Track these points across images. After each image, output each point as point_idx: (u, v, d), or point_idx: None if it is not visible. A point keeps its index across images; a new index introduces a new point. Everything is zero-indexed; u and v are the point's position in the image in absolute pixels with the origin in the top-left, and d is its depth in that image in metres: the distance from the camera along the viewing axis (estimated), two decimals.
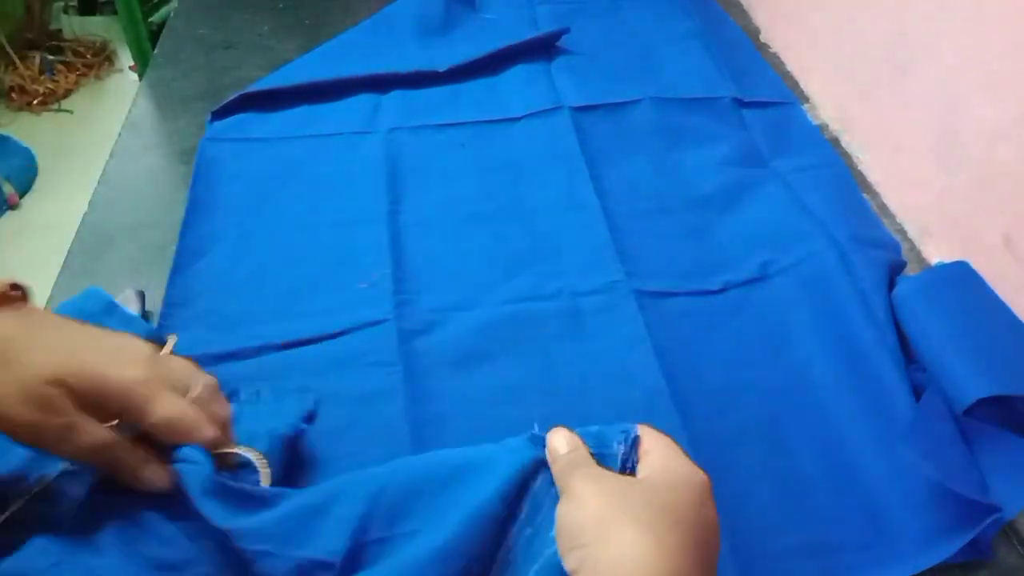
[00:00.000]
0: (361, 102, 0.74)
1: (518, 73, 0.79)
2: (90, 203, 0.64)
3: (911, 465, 0.45)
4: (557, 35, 0.83)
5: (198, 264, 0.57)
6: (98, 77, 2.09)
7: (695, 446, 0.46)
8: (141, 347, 0.36)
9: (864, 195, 0.67)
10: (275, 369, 0.50)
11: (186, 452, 0.35)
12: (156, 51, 0.85)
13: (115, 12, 1.37)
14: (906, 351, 0.52)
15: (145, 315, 0.53)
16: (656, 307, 0.55)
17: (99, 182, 0.66)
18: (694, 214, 0.64)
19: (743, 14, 0.94)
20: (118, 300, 0.52)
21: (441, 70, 0.77)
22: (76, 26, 2.15)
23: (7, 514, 0.33)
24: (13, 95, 1.96)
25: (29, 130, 1.86)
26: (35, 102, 1.96)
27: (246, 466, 0.37)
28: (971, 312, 0.51)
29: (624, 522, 0.28)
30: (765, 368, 0.52)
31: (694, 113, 0.74)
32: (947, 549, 0.41)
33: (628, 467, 0.33)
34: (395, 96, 0.75)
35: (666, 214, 0.63)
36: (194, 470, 0.34)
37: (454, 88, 0.77)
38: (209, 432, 0.35)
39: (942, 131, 0.60)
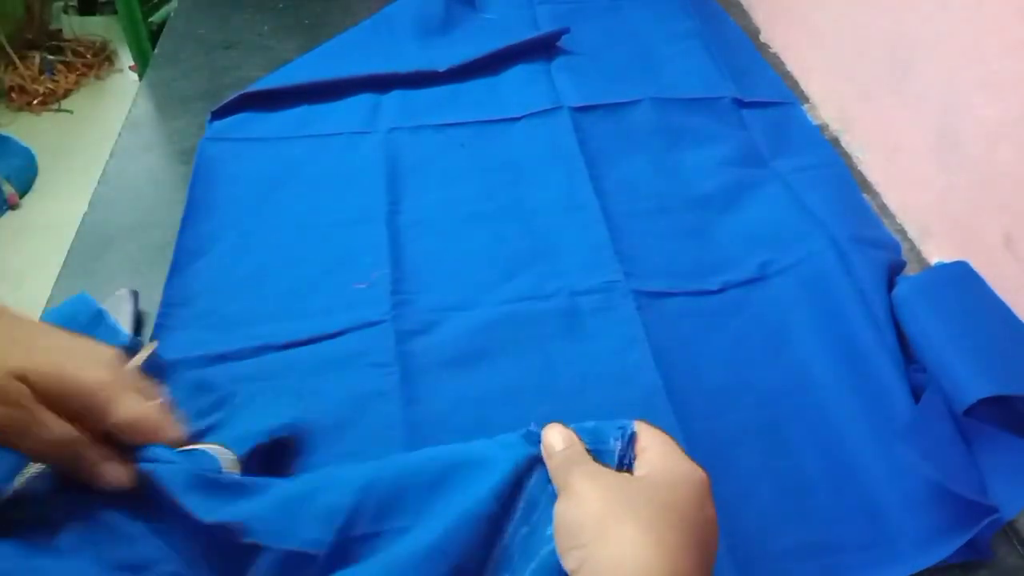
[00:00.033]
0: (361, 102, 0.74)
1: (518, 73, 0.79)
2: (90, 203, 0.64)
3: (910, 465, 0.45)
4: (557, 35, 0.83)
5: (197, 264, 0.57)
6: (98, 77, 2.09)
7: (693, 446, 0.46)
8: (105, 351, 0.36)
9: (864, 195, 0.67)
10: (273, 369, 0.50)
11: (156, 452, 0.34)
12: (156, 51, 0.85)
13: (115, 12, 1.37)
14: (906, 351, 0.51)
15: (139, 315, 0.53)
16: (655, 307, 0.55)
17: (99, 182, 0.66)
18: (694, 214, 0.64)
19: (743, 14, 0.94)
20: (112, 299, 0.52)
21: (441, 70, 0.77)
22: (76, 26, 2.15)
23: None
24: (13, 95, 1.96)
25: (29, 130, 1.86)
26: (35, 102, 1.96)
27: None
28: (971, 312, 0.51)
29: (624, 521, 0.28)
30: (764, 368, 0.52)
31: (694, 113, 0.74)
32: (946, 549, 0.41)
33: (625, 463, 0.33)
34: (395, 96, 0.75)
35: (665, 214, 0.63)
36: (171, 468, 0.34)
37: (454, 88, 0.77)
38: (174, 432, 0.35)
39: (942, 131, 0.60)
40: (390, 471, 0.35)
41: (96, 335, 0.40)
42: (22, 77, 1.96)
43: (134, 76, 1.70)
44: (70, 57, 2.06)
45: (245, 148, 0.69)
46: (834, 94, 0.76)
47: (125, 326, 0.51)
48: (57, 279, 0.56)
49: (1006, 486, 0.43)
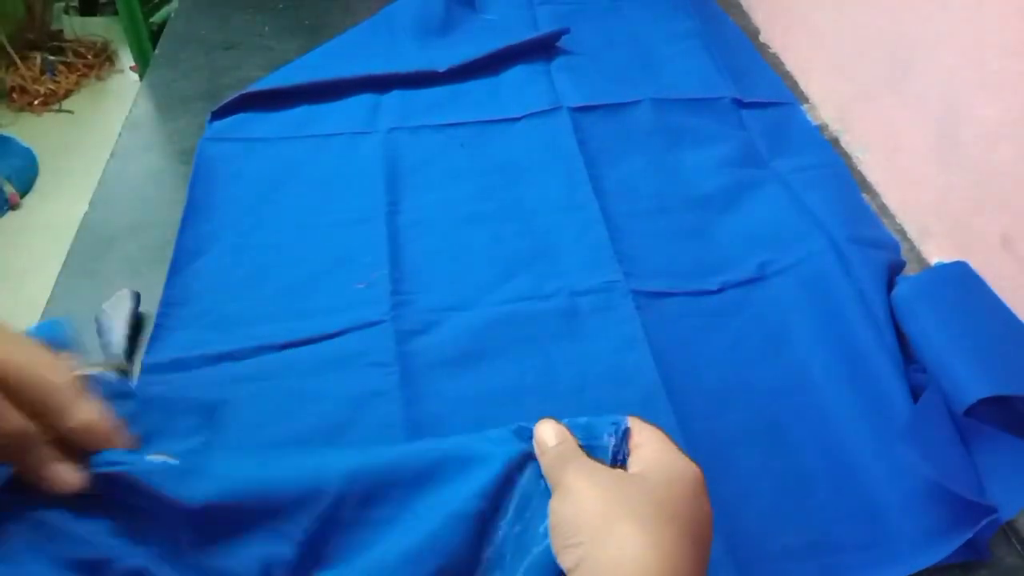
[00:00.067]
0: (360, 102, 0.74)
1: (518, 73, 0.79)
2: (90, 203, 0.64)
3: (909, 465, 0.45)
4: (557, 35, 0.83)
5: (196, 264, 0.57)
6: (99, 77, 2.09)
7: (692, 446, 0.46)
8: (66, 363, 0.35)
9: (864, 195, 0.67)
10: (273, 369, 0.50)
11: (112, 456, 0.33)
12: (156, 51, 0.85)
13: (116, 12, 1.37)
14: (905, 351, 0.51)
15: (139, 316, 0.53)
16: (654, 307, 0.55)
17: (99, 182, 0.66)
18: (693, 214, 0.64)
19: (743, 14, 0.94)
20: (113, 299, 0.52)
21: (441, 70, 0.77)
22: (77, 26, 2.15)
23: None
24: (14, 95, 1.96)
25: (30, 130, 1.86)
26: (36, 102, 1.96)
27: None
28: (971, 312, 0.51)
29: (623, 520, 0.28)
30: (763, 368, 0.52)
31: (694, 113, 0.74)
32: (945, 549, 0.41)
33: (619, 459, 0.33)
34: (394, 96, 0.75)
35: (665, 214, 0.63)
36: (141, 466, 0.33)
37: (454, 88, 0.77)
38: (124, 442, 0.34)
39: (942, 131, 0.60)
40: (378, 460, 0.34)
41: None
42: (23, 77, 1.97)
43: (135, 76, 1.71)
44: (71, 58, 2.06)
45: (245, 148, 0.69)
46: (834, 94, 0.76)
47: (122, 327, 0.51)
48: (57, 279, 0.57)
49: (1005, 486, 0.43)
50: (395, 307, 0.54)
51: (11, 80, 1.96)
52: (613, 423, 0.33)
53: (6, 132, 1.80)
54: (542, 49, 0.82)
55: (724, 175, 0.67)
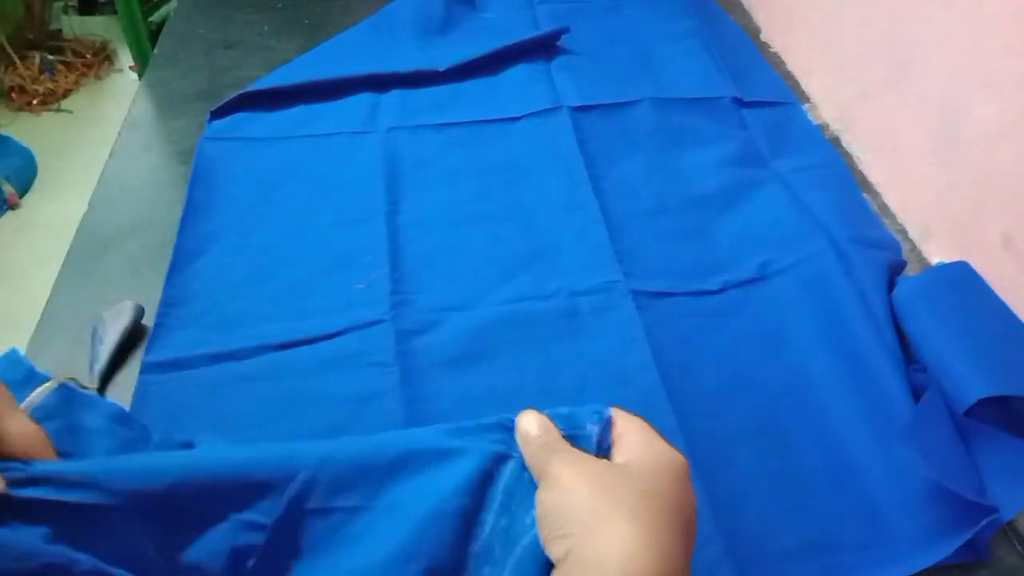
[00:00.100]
0: (360, 102, 0.74)
1: (518, 73, 0.79)
2: (90, 203, 0.64)
3: (910, 465, 0.45)
4: (557, 35, 0.83)
5: (196, 264, 0.57)
6: (98, 77, 2.09)
7: (692, 446, 0.46)
8: None
9: (864, 195, 0.67)
10: (273, 369, 0.50)
11: (41, 465, 0.32)
12: (156, 51, 0.85)
13: (115, 12, 1.37)
14: (906, 351, 0.51)
15: (137, 329, 0.52)
16: (654, 307, 0.55)
17: (99, 182, 0.66)
18: (693, 214, 0.64)
19: (743, 14, 0.94)
20: (115, 310, 0.52)
21: (440, 70, 0.77)
22: (76, 26, 2.15)
23: None
24: (13, 95, 1.96)
25: (29, 130, 1.86)
26: (35, 102, 1.96)
27: None
28: (971, 312, 0.51)
29: (610, 509, 0.28)
30: (764, 368, 0.52)
31: (694, 113, 0.74)
32: (945, 549, 0.41)
33: (603, 448, 0.32)
34: (394, 95, 0.75)
35: (665, 214, 0.63)
36: (81, 462, 0.32)
37: (453, 88, 0.76)
38: (55, 454, 0.33)
39: (942, 131, 0.60)
40: (349, 449, 0.34)
41: (28, 391, 0.39)
42: (22, 77, 1.96)
43: (134, 76, 1.70)
44: (70, 57, 2.06)
45: (244, 148, 0.69)
46: (834, 94, 0.76)
47: (112, 342, 0.50)
48: (57, 279, 0.56)
49: (1005, 486, 0.43)
50: (395, 307, 0.54)
51: (10, 80, 1.96)
52: (595, 412, 0.33)
53: (5, 132, 1.80)
54: (542, 48, 0.82)
55: (724, 175, 0.67)
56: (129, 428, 0.40)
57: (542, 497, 0.30)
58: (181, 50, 0.84)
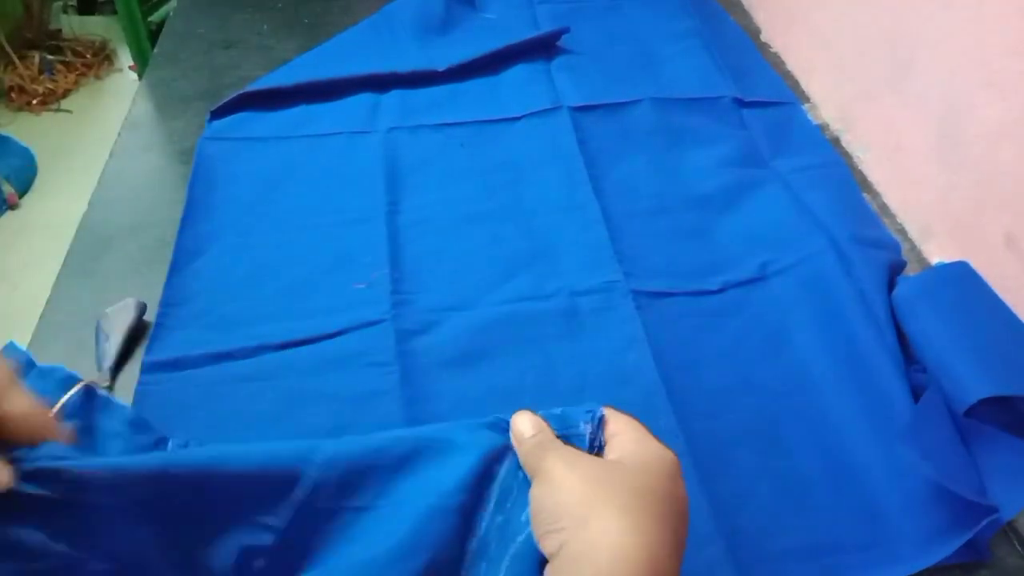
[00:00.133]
0: (360, 101, 0.74)
1: (518, 73, 0.79)
2: (90, 203, 0.64)
3: (910, 465, 0.45)
4: (557, 35, 0.83)
5: (196, 263, 0.57)
6: (98, 77, 2.09)
7: (692, 446, 0.46)
8: None
9: (865, 195, 0.67)
10: (273, 369, 0.50)
11: (51, 449, 0.32)
12: (156, 51, 0.85)
13: (115, 12, 1.37)
14: (906, 351, 0.51)
15: (141, 325, 0.52)
16: (654, 307, 0.55)
17: (98, 182, 0.66)
18: (693, 214, 0.64)
19: (743, 14, 0.94)
20: (117, 307, 0.52)
21: (440, 70, 0.77)
22: (75, 26, 2.14)
23: None
24: (13, 95, 1.96)
25: (29, 130, 1.85)
26: (35, 102, 1.95)
27: None
28: (971, 312, 0.51)
29: (601, 505, 0.28)
30: (764, 368, 0.52)
31: (694, 113, 0.74)
32: (945, 549, 0.41)
33: (596, 446, 0.33)
34: (394, 96, 0.75)
35: (665, 214, 0.63)
36: (90, 459, 0.32)
37: (453, 88, 0.76)
38: (61, 436, 0.33)
39: (943, 130, 0.60)
40: (353, 448, 0.34)
41: (27, 380, 0.38)
42: (21, 77, 1.96)
43: (134, 76, 1.70)
44: (70, 57, 2.06)
45: (244, 148, 0.69)
46: (834, 94, 0.76)
47: (119, 339, 0.50)
48: (57, 279, 0.56)
49: (1006, 486, 0.43)
50: (395, 307, 0.54)
51: (9, 79, 1.96)
52: (588, 411, 0.34)
53: (4, 132, 1.80)
54: (542, 48, 0.82)
55: (724, 175, 0.67)
56: (145, 434, 0.40)
57: (535, 493, 0.31)
58: (181, 50, 0.84)
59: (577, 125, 0.71)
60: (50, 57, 2.03)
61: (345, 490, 0.33)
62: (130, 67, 1.87)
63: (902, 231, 0.64)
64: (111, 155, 0.69)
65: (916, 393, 0.49)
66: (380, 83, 0.76)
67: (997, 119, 0.54)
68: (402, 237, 0.60)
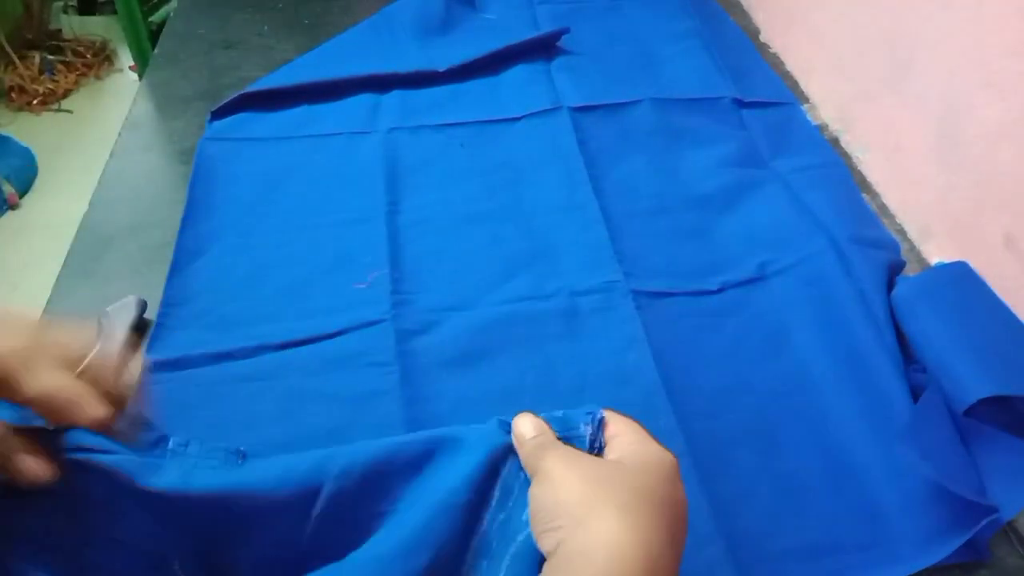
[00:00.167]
0: (360, 102, 0.74)
1: (518, 73, 0.79)
2: (90, 203, 0.64)
3: (909, 466, 0.45)
4: (557, 35, 0.83)
5: (196, 263, 0.57)
6: (98, 77, 2.09)
7: (692, 446, 0.46)
8: (25, 318, 0.32)
9: (864, 195, 0.67)
10: (273, 369, 0.50)
11: (78, 438, 0.31)
12: (156, 51, 0.85)
13: (115, 12, 1.37)
14: (906, 351, 0.51)
15: (142, 323, 0.52)
16: (654, 307, 0.55)
17: (99, 182, 0.66)
18: (693, 214, 0.64)
19: (743, 14, 0.94)
20: (118, 305, 0.52)
21: (441, 70, 0.77)
22: (76, 26, 2.15)
23: None
24: (13, 95, 1.96)
25: (29, 130, 1.85)
26: (35, 102, 1.95)
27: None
28: (971, 312, 0.51)
29: (600, 504, 0.28)
30: (763, 368, 0.52)
31: (694, 113, 0.74)
32: (945, 549, 0.41)
33: (596, 447, 0.33)
34: (394, 96, 0.75)
35: (665, 214, 0.63)
36: (116, 458, 0.32)
37: (453, 88, 0.77)
38: (94, 411, 0.31)
39: (942, 131, 0.60)
40: (367, 454, 0.34)
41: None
42: (22, 77, 1.96)
43: (134, 76, 1.70)
44: (70, 57, 2.06)
45: (245, 148, 0.69)
46: (834, 94, 0.76)
47: (121, 336, 0.50)
48: (57, 279, 0.56)
49: (1005, 486, 0.43)
50: (395, 307, 0.54)
51: (10, 80, 1.96)
52: (588, 413, 0.34)
53: (5, 132, 1.79)
54: (542, 49, 0.82)
55: (724, 175, 0.67)
56: (145, 432, 0.40)
57: (535, 492, 0.31)
58: (181, 50, 0.84)
59: (577, 125, 0.71)
60: (50, 57, 2.03)
61: (363, 497, 0.34)
62: (130, 67, 1.87)
63: (901, 231, 0.64)
64: (111, 155, 0.69)
65: (916, 393, 0.49)
66: (380, 83, 0.76)
67: (996, 119, 0.54)
68: (402, 237, 0.60)
